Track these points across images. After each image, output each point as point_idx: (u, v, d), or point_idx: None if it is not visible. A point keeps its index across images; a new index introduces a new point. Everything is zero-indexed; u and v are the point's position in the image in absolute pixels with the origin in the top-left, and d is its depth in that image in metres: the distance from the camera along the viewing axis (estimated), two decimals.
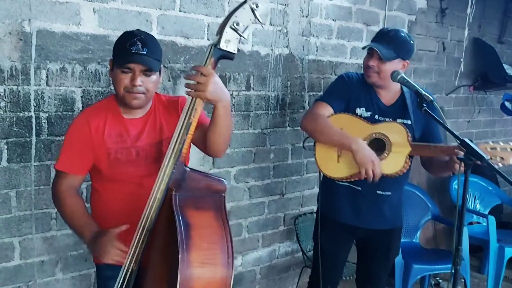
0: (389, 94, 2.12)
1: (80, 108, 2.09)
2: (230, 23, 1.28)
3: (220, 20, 2.41)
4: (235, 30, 1.27)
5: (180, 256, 1.12)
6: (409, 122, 2.07)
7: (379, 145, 2.05)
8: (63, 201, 1.57)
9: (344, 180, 2.11)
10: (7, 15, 1.84)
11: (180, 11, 2.32)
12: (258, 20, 1.27)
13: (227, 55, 1.33)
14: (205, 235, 1.20)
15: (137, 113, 1.61)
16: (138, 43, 1.48)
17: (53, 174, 2.05)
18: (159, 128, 1.63)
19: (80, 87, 2.09)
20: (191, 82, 1.35)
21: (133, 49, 1.47)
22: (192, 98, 1.33)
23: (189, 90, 1.34)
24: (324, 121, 2.07)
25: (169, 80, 2.35)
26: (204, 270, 1.16)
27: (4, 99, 1.90)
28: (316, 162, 2.16)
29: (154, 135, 1.62)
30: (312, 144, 2.19)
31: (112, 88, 2.13)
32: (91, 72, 2.10)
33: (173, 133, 1.64)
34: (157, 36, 2.19)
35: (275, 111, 2.80)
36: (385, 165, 2.00)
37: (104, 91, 2.15)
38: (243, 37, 1.29)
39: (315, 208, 3.13)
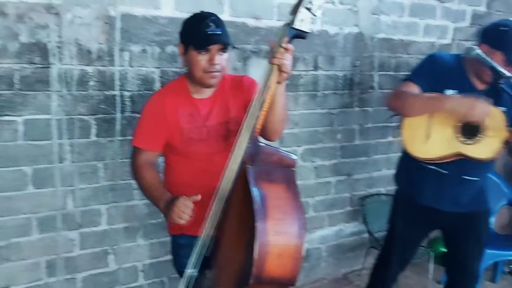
0: None
1: (159, 87, 2.21)
2: (304, 2, 1.29)
3: (290, 1, 2.46)
4: (309, 9, 1.28)
5: (256, 224, 1.17)
6: (503, 109, 1.92)
7: (471, 130, 1.92)
8: (140, 174, 1.65)
9: (432, 162, 2.01)
10: (95, 0, 1.98)
11: None
12: None
13: (301, 35, 1.34)
14: (278, 205, 1.24)
15: (206, 93, 1.67)
16: (211, 24, 1.54)
17: None
18: (226, 107, 1.69)
19: (159, 67, 2.20)
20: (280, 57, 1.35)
21: (209, 31, 1.52)
22: (266, 75, 1.35)
23: (275, 59, 1.34)
24: (410, 95, 1.95)
25: (239, 61, 2.41)
26: (279, 238, 1.20)
27: (93, 78, 2.06)
28: (402, 142, 2.04)
29: (222, 114, 1.68)
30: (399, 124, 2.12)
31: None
32: (169, 53, 2.21)
33: (239, 112, 1.70)
34: (228, 18, 2.28)
35: (343, 91, 2.77)
36: (478, 149, 1.89)
37: (180, 71, 2.24)
38: (317, 16, 1.30)
39: (383, 190, 3.07)
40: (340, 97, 2.77)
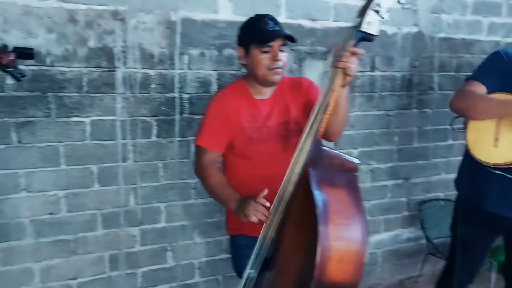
0: None
1: (216, 90, 2.26)
2: (372, 5, 1.27)
3: (347, 2, 2.43)
4: (377, 12, 1.26)
5: (319, 228, 1.17)
6: None
7: None
8: (206, 174, 1.67)
9: (499, 167, 1.88)
10: (158, 6, 2.06)
11: None
12: (400, 1, 1.25)
13: (367, 37, 1.32)
14: (340, 210, 1.23)
15: (266, 94, 1.69)
16: (270, 21, 1.57)
17: (193, 148, 2.27)
18: (286, 108, 1.70)
19: (216, 70, 2.25)
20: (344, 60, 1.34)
21: (269, 28, 1.55)
22: (331, 78, 1.35)
23: (339, 63, 1.33)
24: (477, 96, 1.84)
25: (295, 63, 2.41)
26: (340, 243, 1.19)
27: (155, 81, 2.14)
28: (467, 145, 1.93)
29: (282, 115, 1.69)
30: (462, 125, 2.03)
31: (244, 71, 2.29)
32: (226, 56, 2.25)
33: (298, 112, 1.69)
34: (284, 20, 2.29)
35: (401, 92, 2.70)
36: None
37: (236, 73, 2.29)
38: (385, 19, 1.28)
39: (442, 195, 2.95)
40: (397, 99, 2.70)
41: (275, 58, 1.57)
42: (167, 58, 2.14)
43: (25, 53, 1.04)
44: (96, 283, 2.17)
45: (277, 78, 1.61)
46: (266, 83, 1.63)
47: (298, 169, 1.35)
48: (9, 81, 1.86)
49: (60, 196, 2.03)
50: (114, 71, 2.04)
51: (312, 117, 1.35)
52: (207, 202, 2.34)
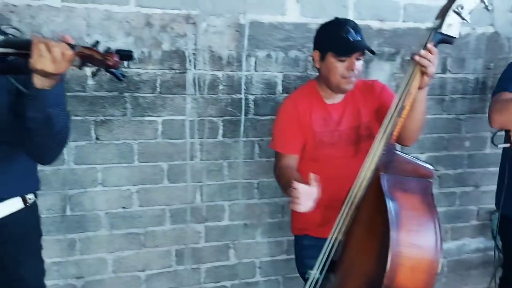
0: None
1: (281, 91, 2.29)
2: (454, 6, 1.24)
3: (417, 2, 2.37)
4: (459, 13, 1.24)
5: (391, 234, 1.16)
6: None
7: None
8: (284, 175, 1.67)
9: None
10: (228, 10, 2.12)
11: None
12: (484, 1, 1.21)
13: (447, 40, 1.30)
14: (412, 216, 1.22)
15: (338, 98, 1.69)
16: (351, 30, 1.55)
17: (256, 149, 2.32)
18: (357, 112, 1.69)
19: (281, 72, 2.28)
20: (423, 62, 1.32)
21: (350, 37, 1.55)
22: (408, 80, 1.33)
23: (419, 63, 1.31)
24: None
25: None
26: (412, 250, 1.18)
27: (222, 83, 2.20)
28: None
29: (353, 119, 1.69)
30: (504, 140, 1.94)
31: (309, 73, 2.31)
32: (292, 58, 2.27)
33: (370, 117, 1.68)
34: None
35: (474, 95, 2.58)
36: None
37: (301, 75, 2.31)
38: (466, 21, 1.24)
39: None
40: (469, 102, 2.59)
41: (351, 68, 1.56)
42: (235, 60, 2.20)
43: (126, 55, 1.12)
44: (163, 276, 2.27)
45: (349, 87, 1.61)
46: (338, 90, 1.64)
47: (369, 173, 1.35)
48: (90, 81, 2.00)
49: (133, 191, 2.15)
50: (185, 73, 2.13)
51: (386, 120, 1.34)
52: (269, 202, 2.38)
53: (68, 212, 2.07)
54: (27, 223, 1.45)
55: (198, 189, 2.27)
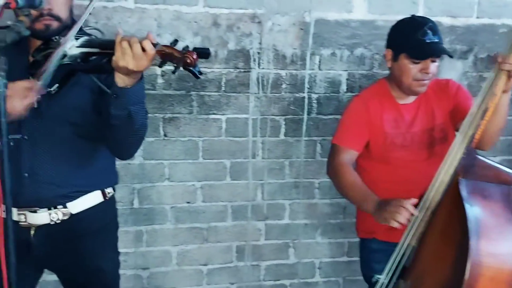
0: None
1: (345, 90, 2.27)
2: None
3: None
4: None
5: (470, 242, 1.12)
6: None
7: None
8: (342, 172, 1.66)
9: None
10: (293, 8, 2.13)
11: None
12: None
13: None
14: (494, 225, 1.17)
15: (410, 98, 1.65)
16: (429, 31, 1.50)
17: (318, 148, 2.31)
18: (430, 113, 1.64)
19: (346, 70, 2.26)
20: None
21: (427, 39, 1.50)
22: (492, 82, 1.28)
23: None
24: None
25: None
26: (493, 260, 1.13)
27: (285, 82, 2.22)
28: None
29: (426, 121, 1.64)
30: None
31: (375, 71, 2.27)
32: (357, 56, 2.24)
33: (444, 118, 1.62)
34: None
35: None
36: None
37: (367, 74, 2.27)
38: None
39: None
40: None
41: (425, 71, 1.51)
42: (299, 59, 2.20)
43: (203, 53, 1.16)
44: (224, 271, 2.33)
45: (422, 89, 1.56)
46: (410, 92, 1.60)
47: (446, 177, 1.31)
48: (160, 80, 2.09)
49: (197, 187, 2.23)
50: (249, 71, 2.17)
51: (467, 123, 1.29)
52: (331, 202, 2.37)
53: (136, 205, 2.18)
54: (106, 216, 1.54)
55: (259, 187, 2.30)
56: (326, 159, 2.28)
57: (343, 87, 2.27)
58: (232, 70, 2.15)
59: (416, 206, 1.39)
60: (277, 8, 2.12)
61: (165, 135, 2.15)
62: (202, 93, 2.14)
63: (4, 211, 1.01)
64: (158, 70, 2.06)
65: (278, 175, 2.32)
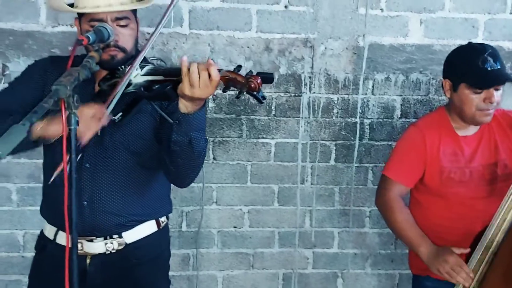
0: None
1: (399, 116, 2.24)
2: None
3: None
4: None
5: None
6: None
7: None
8: (392, 208, 1.62)
9: None
10: (346, 32, 2.14)
11: (511, 13, 2.18)
12: None
13: None
14: None
15: (472, 130, 1.59)
16: (489, 58, 1.46)
17: (370, 175, 2.28)
18: (493, 147, 1.57)
19: (401, 95, 2.23)
20: None
21: (488, 67, 1.46)
22: None
23: None
24: None
25: None
26: None
27: (337, 106, 2.22)
28: None
29: (488, 155, 1.57)
30: None
31: (431, 96, 2.23)
32: (412, 81, 2.21)
33: (509, 153, 1.54)
34: (482, 42, 2.15)
35: None
36: None
37: (422, 99, 2.24)
38: None
39: None
40: None
41: (489, 101, 1.47)
42: (351, 83, 2.20)
43: (267, 78, 1.18)
44: None
45: (487, 119, 1.51)
46: (474, 123, 1.54)
47: (509, 216, 1.25)
48: (211, 104, 2.15)
49: (244, 211, 2.25)
50: (300, 96, 2.18)
51: None
52: (381, 232, 2.32)
53: (184, 228, 2.22)
54: (159, 245, 1.56)
55: (307, 214, 2.29)
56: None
57: (397, 112, 2.24)
58: (282, 94, 2.18)
59: (472, 246, 1.34)
60: (330, 33, 2.14)
61: (214, 158, 2.19)
62: (252, 117, 2.18)
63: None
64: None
65: (327, 202, 2.30)
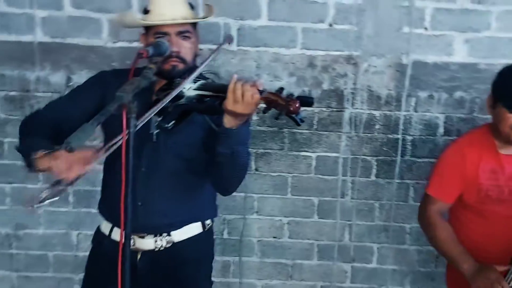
0: None
1: (442, 133, 2.27)
2: None
3: None
4: None
5: None
6: None
7: None
8: (434, 225, 1.68)
9: None
10: (390, 50, 2.21)
11: None
12: None
13: None
14: None
15: None
16: None
17: (411, 192, 2.31)
18: None
19: (444, 113, 2.27)
20: None
21: None
22: None
23: None
24: None
25: None
26: None
27: (379, 122, 2.28)
28: None
29: None
30: None
31: (475, 115, 2.25)
32: (456, 99, 2.25)
33: None
34: None
35: None
36: None
37: (466, 117, 2.26)
38: None
39: None
40: None
41: None
42: (394, 100, 2.26)
43: (307, 102, 1.27)
44: None
45: None
46: (509, 142, 1.57)
47: None
48: (254, 117, 2.26)
49: (284, 222, 2.34)
50: (342, 111, 2.27)
51: None
52: (422, 250, 2.34)
53: (226, 236, 2.34)
54: (204, 246, 1.69)
55: (347, 228, 2.35)
56: (419, 204, 2.29)
57: (440, 130, 2.28)
58: (324, 109, 2.27)
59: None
60: (373, 50, 2.22)
61: (256, 169, 2.30)
62: (294, 130, 2.28)
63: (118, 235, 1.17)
64: None
65: (367, 217, 2.35)
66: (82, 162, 1.22)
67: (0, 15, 2.14)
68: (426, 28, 2.18)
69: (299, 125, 1.28)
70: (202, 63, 1.49)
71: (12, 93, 2.21)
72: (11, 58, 2.18)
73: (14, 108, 2.22)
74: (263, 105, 1.30)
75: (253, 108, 1.29)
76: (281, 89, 1.27)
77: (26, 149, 1.39)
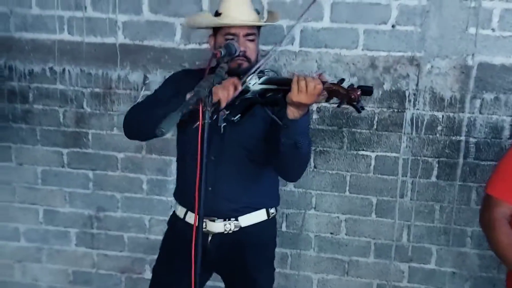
0: None
1: (508, 136, 2.25)
2: None
3: None
4: None
5: None
6: None
7: None
8: (497, 230, 1.67)
9: None
10: (455, 52, 2.23)
11: None
12: None
13: None
14: None
15: None
16: None
17: (474, 195, 2.32)
18: None
19: (510, 116, 2.24)
20: None
21: None
22: None
23: None
24: None
25: None
26: None
27: (441, 124, 2.30)
28: None
29: None
30: None
31: None
32: None
33: None
34: None
35: None
36: None
37: None
38: None
39: None
40: None
41: None
42: (457, 102, 2.28)
43: (367, 90, 1.39)
44: None
45: None
46: None
47: None
48: (315, 115, 2.38)
49: (341, 219, 2.44)
50: (403, 112, 2.32)
51: None
52: (483, 254, 2.34)
53: (284, 229, 2.49)
54: (268, 233, 1.87)
55: (405, 228, 2.40)
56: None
57: (506, 133, 2.26)
58: (385, 109, 2.33)
59: None
60: (437, 52, 2.24)
61: (315, 167, 2.42)
62: (353, 130, 2.37)
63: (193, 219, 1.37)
64: (315, 107, 2.36)
65: (427, 218, 2.38)
66: (233, 85, 1.51)
67: (87, 19, 2.44)
68: (493, 29, 2.18)
69: (359, 112, 1.39)
70: (262, 61, 1.64)
71: (97, 90, 2.51)
72: (97, 59, 2.48)
73: (98, 104, 2.52)
74: (325, 95, 1.43)
75: (316, 99, 1.43)
76: (342, 80, 1.41)
77: (161, 114, 1.37)
